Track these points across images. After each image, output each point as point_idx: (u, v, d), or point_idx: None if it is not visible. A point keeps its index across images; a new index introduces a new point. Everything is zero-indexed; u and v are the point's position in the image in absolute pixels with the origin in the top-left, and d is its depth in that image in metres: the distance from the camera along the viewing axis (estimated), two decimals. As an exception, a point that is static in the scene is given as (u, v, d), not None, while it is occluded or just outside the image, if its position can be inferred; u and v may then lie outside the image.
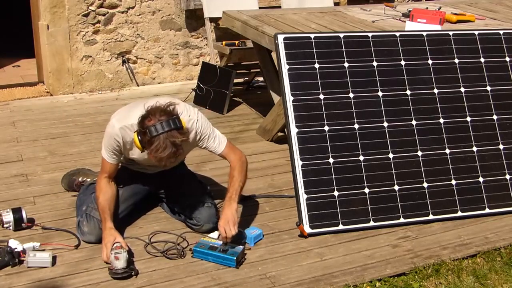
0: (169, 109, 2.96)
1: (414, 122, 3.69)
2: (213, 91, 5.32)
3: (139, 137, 2.94)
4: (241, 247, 3.11)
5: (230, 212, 3.16)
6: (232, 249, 3.09)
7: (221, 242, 3.13)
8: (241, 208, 3.66)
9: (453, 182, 3.63)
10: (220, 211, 3.28)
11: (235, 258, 3.03)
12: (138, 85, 5.96)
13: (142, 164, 3.35)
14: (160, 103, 3.01)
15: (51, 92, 5.67)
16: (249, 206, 3.70)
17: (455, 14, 4.81)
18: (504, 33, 4.04)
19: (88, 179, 3.69)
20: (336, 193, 3.45)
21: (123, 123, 3.09)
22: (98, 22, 5.65)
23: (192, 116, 3.16)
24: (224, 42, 5.58)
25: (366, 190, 3.50)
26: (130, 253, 3.05)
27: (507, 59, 3.98)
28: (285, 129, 3.90)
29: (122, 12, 5.73)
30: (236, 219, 3.17)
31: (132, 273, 2.95)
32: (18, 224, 3.32)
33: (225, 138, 3.32)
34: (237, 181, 3.24)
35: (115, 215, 3.26)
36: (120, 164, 3.32)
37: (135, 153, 3.18)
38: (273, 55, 4.60)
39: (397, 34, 3.89)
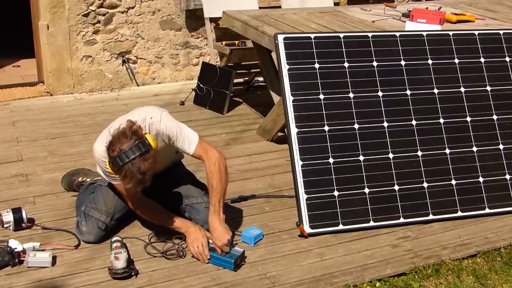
0: (131, 134, 2.87)
1: (414, 122, 3.69)
2: (213, 91, 5.32)
3: (112, 167, 2.91)
4: (241, 249, 3.11)
5: (220, 226, 3.12)
6: (232, 252, 3.08)
7: None
8: (241, 208, 3.67)
9: (453, 182, 3.63)
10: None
11: (233, 261, 3.02)
12: (138, 85, 5.96)
13: None
14: (123, 126, 2.92)
15: (51, 92, 5.67)
16: (249, 206, 3.70)
17: (455, 14, 4.81)
18: (504, 33, 4.04)
19: (88, 179, 3.69)
20: (336, 193, 3.45)
21: (104, 146, 2.97)
22: (98, 22, 5.65)
23: (155, 118, 3.06)
24: (224, 42, 5.58)
25: (366, 190, 3.50)
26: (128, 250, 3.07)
27: (507, 59, 3.98)
28: (285, 129, 3.90)
29: (122, 12, 5.73)
30: (230, 232, 3.14)
31: (132, 273, 2.95)
32: (18, 224, 3.32)
33: (196, 136, 3.15)
34: (218, 192, 3.13)
35: (116, 216, 3.28)
36: None
37: None
38: (273, 55, 4.59)
39: (397, 34, 3.89)
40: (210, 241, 3.17)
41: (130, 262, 2.99)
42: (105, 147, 2.93)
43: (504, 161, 3.74)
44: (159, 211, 3.24)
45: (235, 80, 5.47)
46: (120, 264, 2.92)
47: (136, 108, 3.16)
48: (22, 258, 3.02)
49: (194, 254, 3.10)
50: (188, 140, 3.14)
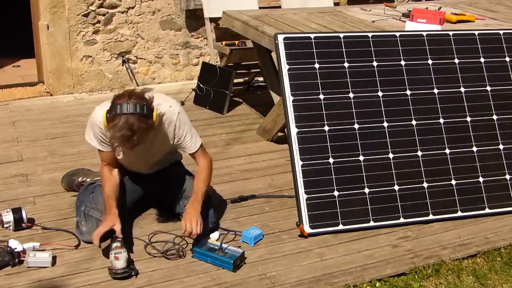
0: (142, 95, 2.97)
1: (414, 122, 3.69)
2: (213, 91, 5.32)
3: (107, 113, 2.97)
4: (241, 250, 3.11)
5: (195, 212, 3.14)
6: (232, 252, 3.08)
7: (219, 244, 3.12)
8: (241, 208, 3.67)
9: (453, 182, 3.63)
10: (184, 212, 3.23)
11: (232, 261, 3.02)
12: (138, 85, 5.96)
13: (131, 165, 3.37)
14: (140, 89, 3.04)
15: (51, 92, 5.67)
16: (249, 206, 3.70)
17: (455, 14, 4.81)
18: (504, 33, 4.04)
19: (88, 179, 3.68)
20: (336, 193, 3.45)
21: (105, 109, 3.05)
22: (98, 22, 5.65)
23: (174, 108, 3.18)
24: (224, 42, 5.58)
25: (366, 190, 3.50)
26: (128, 250, 3.05)
27: (507, 59, 3.98)
28: (285, 129, 3.90)
29: (122, 12, 5.73)
30: (201, 221, 3.14)
31: (132, 273, 2.95)
32: (18, 224, 3.32)
33: (200, 140, 3.34)
34: (204, 185, 3.27)
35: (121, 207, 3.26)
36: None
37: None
38: (273, 55, 4.59)
39: (397, 34, 3.89)
40: (210, 241, 3.17)
41: (130, 262, 2.99)
42: (105, 112, 2.98)
43: (504, 161, 3.74)
44: (110, 192, 3.20)
45: (235, 80, 5.47)
46: (120, 264, 2.92)
47: (159, 93, 3.18)
48: (22, 258, 3.02)
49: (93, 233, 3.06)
50: (194, 140, 3.29)
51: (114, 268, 2.92)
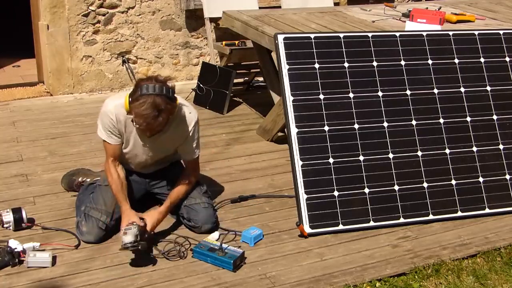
0: (167, 80, 3.03)
1: (414, 122, 3.69)
2: (213, 91, 5.32)
3: (130, 96, 3.01)
4: (241, 250, 3.11)
5: (158, 217, 3.22)
6: (231, 252, 3.08)
7: (219, 244, 3.12)
8: (241, 208, 3.67)
9: (453, 182, 3.63)
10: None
11: (232, 261, 3.02)
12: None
13: (134, 160, 3.37)
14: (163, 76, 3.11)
15: (51, 92, 5.67)
16: (249, 206, 3.70)
17: (455, 14, 4.81)
18: (504, 33, 4.04)
19: (88, 179, 3.69)
20: (336, 193, 3.45)
21: (117, 101, 3.15)
22: (98, 22, 5.65)
23: (193, 116, 3.27)
24: (224, 42, 5.58)
25: (366, 190, 3.50)
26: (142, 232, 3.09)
27: (507, 59, 3.98)
28: (285, 129, 3.90)
29: (122, 12, 5.73)
30: (155, 226, 3.22)
31: (140, 247, 3.00)
32: (18, 224, 3.32)
33: (199, 153, 3.41)
34: (179, 196, 3.33)
35: (116, 216, 3.28)
36: None
37: (130, 136, 3.23)
38: (273, 55, 4.59)
39: (397, 34, 3.89)
40: (210, 241, 3.18)
41: (139, 238, 3.02)
42: (127, 95, 3.03)
43: (504, 161, 3.74)
44: (118, 188, 3.23)
45: (235, 80, 5.47)
46: (128, 238, 2.98)
47: (178, 95, 3.23)
48: (22, 258, 3.02)
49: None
50: (196, 149, 3.36)
51: (122, 242, 2.99)
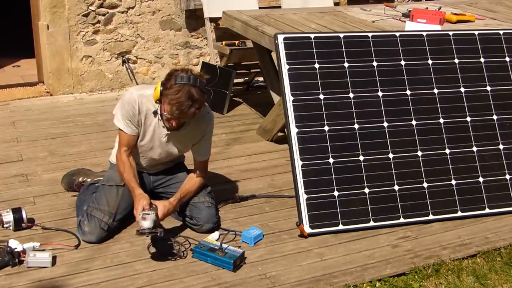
0: (200, 75, 3.09)
1: (414, 122, 3.69)
2: (213, 91, 5.26)
3: (162, 85, 3.05)
4: (241, 250, 3.11)
5: (169, 207, 3.21)
6: (231, 252, 3.08)
7: (219, 244, 3.12)
8: (241, 208, 3.67)
9: (453, 182, 3.63)
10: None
11: (232, 261, 3.02)
12: (138, 85, 5.96)
13: (147, 155, 3.36)
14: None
15: (51, 92, 5.67)
16: (249, 206, 3.70)
17: (455, 14, 4.81)
18: (504, 33, 4.04)
19: (88, 179, 3.69)
20: (336, 193, 3.45)
21: (142, 92, 3.21)
22: (98, 22, 5.65)
23: (211, 116, 3.36)
24: (224, 42, 5.58)
25: (366, 190, 3.50)
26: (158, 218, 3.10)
27: (507, 59, 3.98)
28: (285, 129, 3.90)
29: (122, 12, 5.73)
30: (166, 215, 3.22)
31: (158, 234, 3.00)
32: (18, 224, 3.32)
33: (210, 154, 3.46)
34: (189, 193, 3.34)
35: (118, 217, 3.29)
36: None
37: (148, 129, 3.24)
38: (273, 55, 4.60)
39: (397, 34, 3.89)
40: (210, 241, 3.18)
41: (157, 225, 3.02)
42: (159, 83, 3.07)
43: (504, 161, 3.74)
44: (130, 176, 3.24)
45: (235, 80, 5.47)
46: (147, 224, 2.97)
47: None
48: (22, 258, 3.02)
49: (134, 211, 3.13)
50: (209, 150, 3.43)
51: (140, 228, 2.97)
